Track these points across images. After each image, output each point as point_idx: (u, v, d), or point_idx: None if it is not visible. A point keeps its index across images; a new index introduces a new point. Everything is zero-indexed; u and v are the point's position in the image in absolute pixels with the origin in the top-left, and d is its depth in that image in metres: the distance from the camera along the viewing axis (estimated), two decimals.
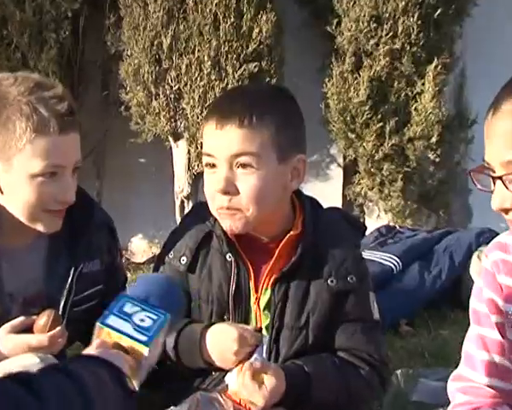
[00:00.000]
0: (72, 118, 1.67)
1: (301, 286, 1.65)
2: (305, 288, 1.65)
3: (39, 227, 1.69)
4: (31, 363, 1.48)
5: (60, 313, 1.68)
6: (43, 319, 1.59)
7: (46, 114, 1.62)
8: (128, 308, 1.34)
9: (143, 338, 1.30)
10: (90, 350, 1.29)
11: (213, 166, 1.59)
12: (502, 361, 1.40)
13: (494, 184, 1.22)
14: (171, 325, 1.39)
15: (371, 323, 1.70)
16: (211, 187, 1.60)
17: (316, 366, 1.61)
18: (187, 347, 1.60)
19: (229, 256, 1.64)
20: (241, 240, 1.65)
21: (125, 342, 1.30)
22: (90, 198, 1.87)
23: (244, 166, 1.55)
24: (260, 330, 1.62)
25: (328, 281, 1.64)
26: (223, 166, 1.57)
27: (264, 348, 1.64)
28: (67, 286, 1.72)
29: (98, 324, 1.32)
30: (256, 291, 1.65)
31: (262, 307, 1.66)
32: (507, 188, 1.21)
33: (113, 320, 1.32)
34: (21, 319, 1.63)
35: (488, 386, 1.42)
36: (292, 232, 1.63)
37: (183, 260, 1.67)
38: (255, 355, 1.56)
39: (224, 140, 1.55)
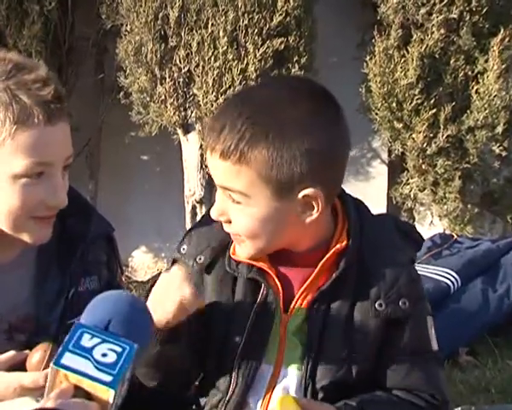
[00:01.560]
0: (59, 105, 1.67)
1: (344, 309, 1.65)
2: (349, 311, 1.65)
3: (25, 238, 1.70)
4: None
5: (51, 340, 1.67)
6: (37, 354, 1.59)
7: (28, 102, 1.63)
8: (86, 341, 1.33)
9: (108, 378, 1.30)
10: (47, 402, 1.28)
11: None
12: None
13: None
14: (138, 358, 1.38)
15: (430, 355, 1.70)
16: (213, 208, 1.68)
17: (373, 406, 1.63)
18: None
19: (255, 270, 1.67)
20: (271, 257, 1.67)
21: (87, 385, 1.30)
22: (86, 201, 1.89)
23: (233, 200, 1.59)
24: None
25: (376, 305, 1.64)
26: (219, 192, 1.62)
27: (295, 380, 1.65)
28: (61, 309, 1.75)
29: (52, 365, 1.31)
30: (285, 311, 1.66)
31: (292, 330, 1.66)
32: None
33: (69, 359, 1.31)
34: (12, 353, 1.62)
35: None
36: (338, 246, 1.65)
37: (200, 258, 1.70)
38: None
39: (214, 167, 1.60)
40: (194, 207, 4.04)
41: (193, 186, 4.04)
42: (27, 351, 1.62)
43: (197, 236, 1.74)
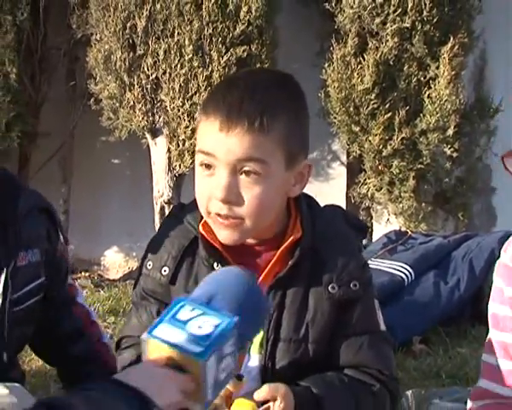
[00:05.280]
0: None
1: (299, 294, 1.69)
2: (304, 296, 1.69)
3: None
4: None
5: None
6: None
7: None
8: (184, 313, 1.25)
9: (198, 349, 1.20)
10: (132, 370, 1.24)
11: (210, 167, 1.62)
12: None
13: None
14: (245, 333, 1.31)
15: (378, 334, 1.74)
16: (206, 190, 1.64)
17: (324, 386, 1.65)
18: None
19: (216, 265, 1.68)
20: (227, 245, 1.68)
21: (178, 356, 1.21)
22: (16, 182, 1.88)
23: (249, 173, 1.59)
24: (239, 377, 1.58)
25: (329, 288, 1.68)
26: (223, 170, 1.60)
27: (257, 363, 1.68)
28: (2, 284, 1.73)
29: (144, 335, 1.23)
30: None
31: None
32: None
33: (162, 330, 1.23)
34: None
35: None
36: (293, 236, 1.68)
37: (165, 270, 1.71)
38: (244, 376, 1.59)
39: (229, 143, 1.58)
40: (162, 208, 4.04)
41: (161, 188, 4.05)
42: None
43: (157, 248, 1.74)
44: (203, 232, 1.69)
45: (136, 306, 1.77)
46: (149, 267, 1.74)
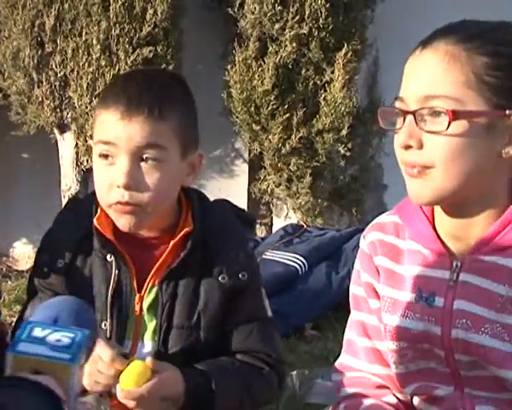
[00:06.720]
0: None
1: (191, 284, 1.74)
2: (195, 286, 1.75)
3: None
4: None
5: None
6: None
7: None
8: (38, 332, 1.28)
9: (67, 356, 1.25)
10: (9, 382, 1.24)
11: (110, 156, 1.66)
12: (381, 347, 1.54)
13: (404, 121, 1.38)
14: (88, 348, 1.35)
15: (266, 320, 1.82)
16: (107, 180, 1.67)
17: (215, 369, 1.71)
18: None
19: (109, 256, 1.72)
20: (121, 238, 1.72)
21: (45, 366, 1.24)
22: None
23: (149, 159, 1.64)
24: (126, 355, 1.66)
25: (220, 278, 1.74)
26: (123, 159, 1.64)
27: (150, 349, 1.74)
28: None
29: (8, 353, 1.26)
30: (139, 291, 1.73)
31: (146, 307, 1.74)
32: (417, 124, 1.36)
33: (24, 346, 1.26)
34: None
35: (372, 374, 1.57)
36: (187, 229, 1.73)
37: (61, 263, 1.73)
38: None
39: (129, 131, 1.63)
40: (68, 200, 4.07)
41: (69, 181, 4.07)
42: None
43: (52, 240, 1.76)
44: (97, 225, 1.72)
45: (33, 297, 1.77)
46: (45, 260, 1.75)
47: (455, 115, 1.35)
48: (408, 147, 1.39)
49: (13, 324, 1.87)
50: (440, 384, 1.48)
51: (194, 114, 1.78)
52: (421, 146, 1.39)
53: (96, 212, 1.74)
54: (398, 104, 1.42)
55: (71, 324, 1.39)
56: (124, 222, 1.68)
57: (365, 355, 1.59)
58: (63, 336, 1.28)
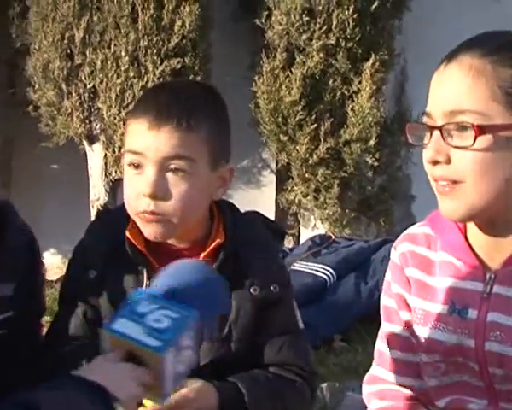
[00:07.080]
0: None
1: None
2: None
3: None
4: None
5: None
6: None
7: None
8: (143, 307, 1.23)
9: (156, 343, 1.20)
10: (91, 365, 1.24)
11: (139, 166, 1.66)
12: (414, 359, 1.52)
13: (431, 136, 1.37)
14: (203, 326, 1.30)
15: (297, 332, 1.80)
16: (135, 189, 1.66)
17: (249, 382, 1.69)
18: None
19: (140, 267, 1.71)
20: (153, 249, 1.71)
21: (137, 349, 1.20)
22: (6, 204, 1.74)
23: (176, 170, 1.63)
24: None
25: (251, 290, 1.72)
26: (151, 168, 1.63)
27: None
28: None
29: (104, 330, 1.24)
30: None
31: None
32: (444, 140, 1.35)
33: (120, 324, 1.21)
34: None
35: (402, 386, 1.55)
36: (218, 240, 1.72)
37: (92, 273, 1.72)
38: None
39: (157, 141, 1.63)
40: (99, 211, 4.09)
41: (97, 192, 4.10)
42: None
43: (84, 251, 1.74)
44: (129, 236, 1.71)
45: (64, 308, 1.77)
46: (77, 270, 1.74)
47: (481, 130, 1.34)
48: (436, 162, 1.38)
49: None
50: (474, 398, 1.47)
51: (226, 127, 1.76)
52: (448, 161, 1.37)
53: (129, 223, 1.74)
54: (424, 119, 1.41)
55: (189, 297, 1.29)
56: (149, 231, 1.67)
57: (397, 367, 1.58)
58: (165, 316, 1.23)
